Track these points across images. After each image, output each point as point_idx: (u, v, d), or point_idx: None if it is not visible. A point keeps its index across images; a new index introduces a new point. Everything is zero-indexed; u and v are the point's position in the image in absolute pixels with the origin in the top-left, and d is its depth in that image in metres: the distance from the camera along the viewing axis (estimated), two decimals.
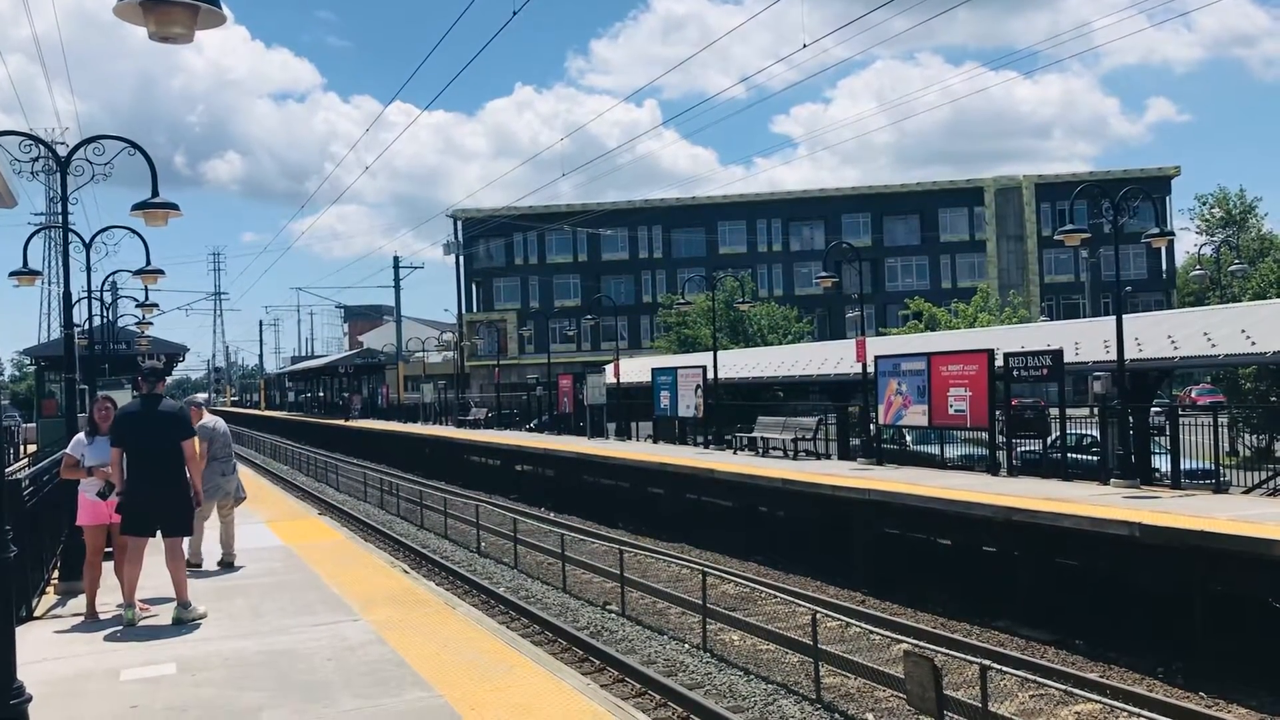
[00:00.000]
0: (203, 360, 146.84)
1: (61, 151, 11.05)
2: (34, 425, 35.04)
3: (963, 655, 11.04)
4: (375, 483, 32.92)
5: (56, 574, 11.36)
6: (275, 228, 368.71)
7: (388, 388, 62.01)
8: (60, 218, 11.51)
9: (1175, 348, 18.91)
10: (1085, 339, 21.33)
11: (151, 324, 32.41)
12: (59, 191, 11.18)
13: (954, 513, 15.03)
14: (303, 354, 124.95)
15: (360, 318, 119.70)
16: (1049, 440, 18.61)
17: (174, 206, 11.03)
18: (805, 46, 21.57)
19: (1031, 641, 13.16)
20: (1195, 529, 11.69)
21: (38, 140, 11.20)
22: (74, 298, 13.24)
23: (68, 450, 9.90)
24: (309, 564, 12.03)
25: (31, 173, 11.29)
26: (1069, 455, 18.12)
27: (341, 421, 56.80)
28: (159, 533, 9.21)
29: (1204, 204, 54.12)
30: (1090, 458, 19.28)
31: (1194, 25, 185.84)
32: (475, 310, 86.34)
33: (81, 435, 9.87)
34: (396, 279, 71.64)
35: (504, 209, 79.83)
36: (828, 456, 23.74)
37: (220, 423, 12.49)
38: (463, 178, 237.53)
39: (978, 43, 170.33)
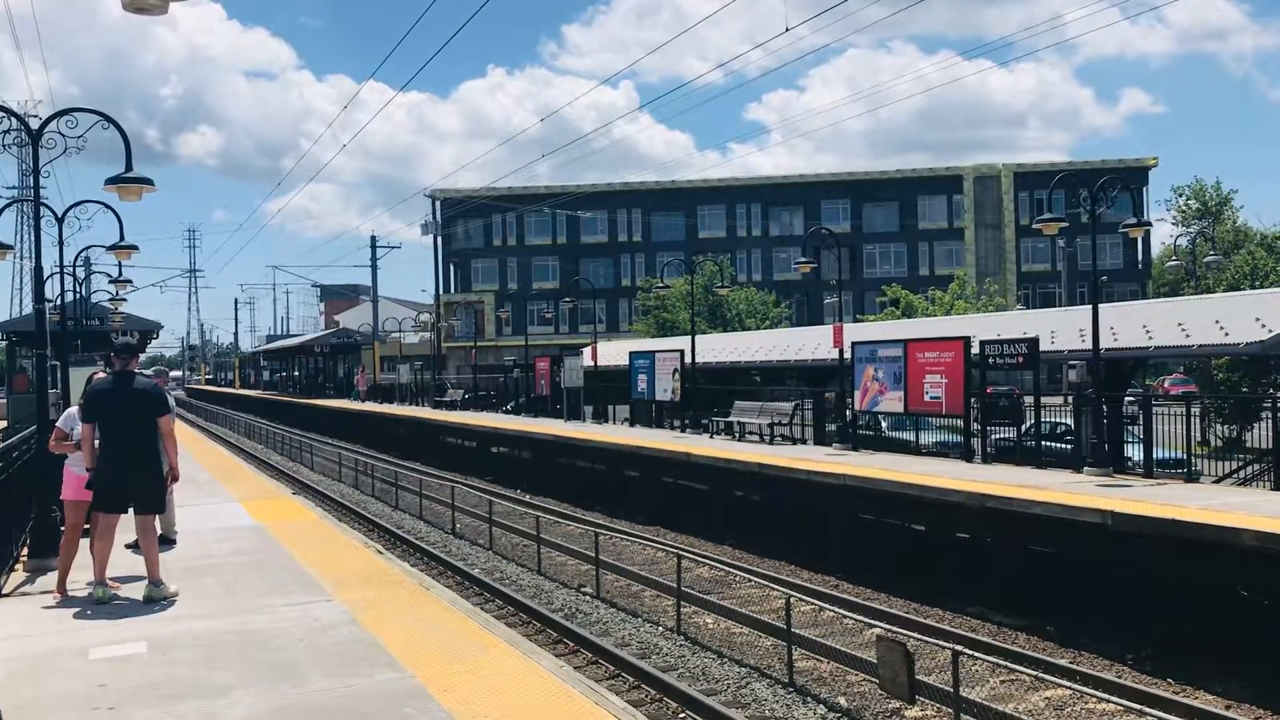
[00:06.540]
0: (177, 338, 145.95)
1: (34, 124, 10.89)
2: (4, 401, 34.69)
3: (935, 640, 11.11)
4: (350, 463, 32.81)
5: (26, 551, 11.24)
6: (249, 205, 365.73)
7: (363, 368, 61.71)
8: (32, 191, 11.33)
9: (1150, 338, 19.04)
10: (1061, 328, 21.44)
11: (125, 300, 32.06)
12: (31, 165, 11.01)
13: (928, 499, 15.10)
14: (278, 333, 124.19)
15: (336, 297, 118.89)
16: (1023, 428, 18.72)
17: (148, 181, 10.90)
18: (788, 30, 21.53)
19: (1003, 627, 13.26)
20: (1166, 517, 11.80)
21: (10, 112, 11.02)
22: (46, 272, 13.07)
23: (58, 424, 9.83)
24: (282, 543, 11.96)
25: (3, 145, 11.09)
26: (1043, 443, 18.21)
27: (324, 401, 56.52)
28: (131, 510, 9.13)
29: (1180, 195, 54.49)
30: (1064, 446, 19.40)
31: (1166, 19, 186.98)
32: (453, 291, 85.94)
33: (74, 410, 9.76)
34: (373, 258, 71.24)
35: (482, 190, 79.46)
36: (804, 441, 23.81)
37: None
38: (437, 158, 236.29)
39: (952, 31, 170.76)
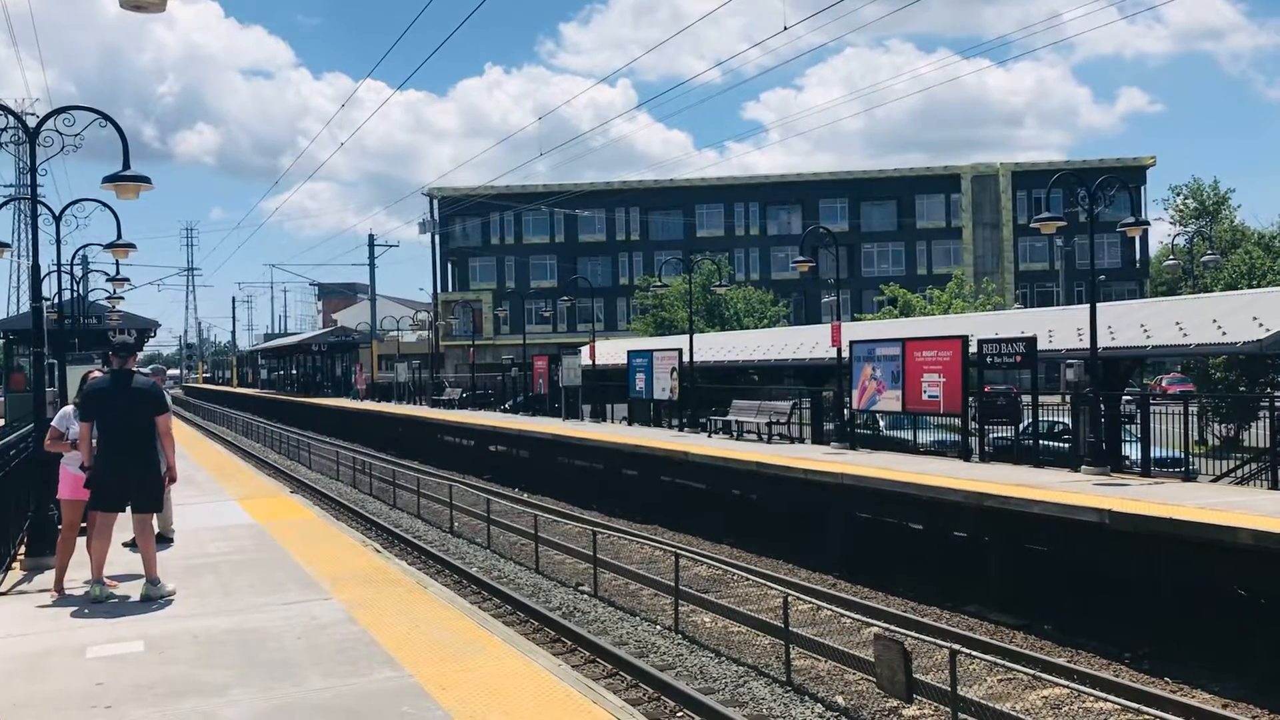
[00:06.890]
0: (175, 336, 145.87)
1: (31, 122, 10.88)
2: (2, 399, 34.64)
3: (933, 639, 11.11)
4: (348, 461, 32.79)
5: (23, 549, 11.23)
6: (247, 203, 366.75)
7: (361, 366, 61.70)
8: (29, 189, 11.32)
9: (1148, 337, 19.05)
10: (1059, 327, 21.46)
11: (123, 298, 32.08)
12: (28, 163, 11.00)
13: (926, 498, 15.10)
14: (276, 331, 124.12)
15: (334, 295, 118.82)
16: (1021, 427, 18.72)
17: (145, 179, 10.90)
18: (786, 29, 21.52)
19: (1001, 626, 13.26)
20: (1164, 516, 11.80)
21: (7, 110, 11.00)
22: (43, 271, 13.05)
23: (53, 423, 9.81)
24: (280, 542, 11.95)
25: (0, 143, 11.07)
26: (1041, 442, 18.23)
27: (322, 400, 56.45)
28: (128, 508, 9.12)
29: (1178, 194, 54.59)
30: (1062, 444, 19.40)
31: (1164, 18, 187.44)
32: (450, 290, 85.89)
33: (69, 409, 9.77)
34: (371, 257, 71.21)
35: (480, 188, 79.34)
36: (801, 441, 23.81)
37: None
38: (435, 157, 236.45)
39: (949, 31, 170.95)
